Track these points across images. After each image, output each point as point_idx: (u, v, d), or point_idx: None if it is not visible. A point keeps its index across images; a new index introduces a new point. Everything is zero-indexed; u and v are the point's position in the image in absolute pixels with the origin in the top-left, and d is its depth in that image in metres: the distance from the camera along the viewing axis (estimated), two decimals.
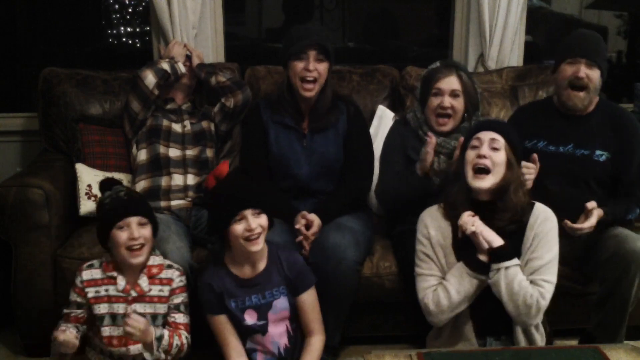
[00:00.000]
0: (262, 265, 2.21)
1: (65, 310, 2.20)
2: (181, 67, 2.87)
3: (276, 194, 2.60)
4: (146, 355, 2.14)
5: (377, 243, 2.68)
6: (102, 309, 2.14)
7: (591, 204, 2.39)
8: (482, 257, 2.12)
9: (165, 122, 2.79)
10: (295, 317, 2.26)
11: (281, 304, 2.21)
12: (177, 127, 2.81)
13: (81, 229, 2.67)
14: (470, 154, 2.15)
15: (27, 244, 2.50)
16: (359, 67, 3.20)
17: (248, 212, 2.10)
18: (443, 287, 2.16)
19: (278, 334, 2.23)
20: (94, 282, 2.15)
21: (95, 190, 2.69)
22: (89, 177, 2.73)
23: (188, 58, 2.95)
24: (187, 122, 2.84)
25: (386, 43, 4.00)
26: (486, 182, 2.11)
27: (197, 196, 2.71)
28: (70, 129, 2.91)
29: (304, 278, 2.24)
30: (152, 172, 2.72)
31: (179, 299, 2.21)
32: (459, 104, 2.59)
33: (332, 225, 2.53)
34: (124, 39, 3.72)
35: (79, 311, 2.18)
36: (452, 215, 2.19)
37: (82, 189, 2.69)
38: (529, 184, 2.33)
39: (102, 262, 2.18)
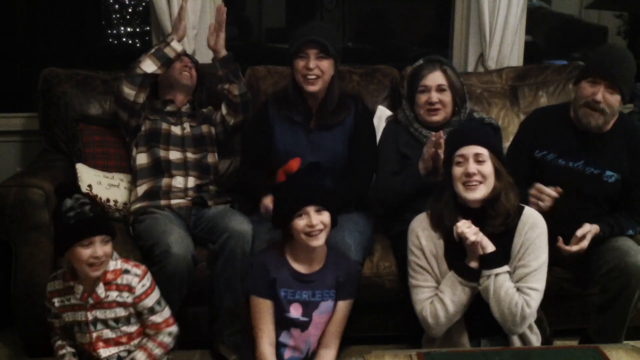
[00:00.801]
0: (319, 264, 2.25)
1: (49, 320, 2.23)
2: (176, 47, 2.72)
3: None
4: None
5: (377, 243, 2.68)
6: (68, 317, 2.16)
7: (581, 232, 2.36)
8: (473, 264, 2.12)
9: (164, 126, 2.78)
10: None
11: (327, 306, 2.24)
12: (176, 130, 2.80)
13: None
14: (458, 171, 2.12)
15: (27, 244, 2.50)
16: (359, 67, 3.20)
17: (311, 209, 2.15)
18: (439, 299, 2.15)
19: (314, 334, 2.25)
20: (57, 293, 2.17)
21: (96, 191, 2.69)
22: (89, 177, 2.73)
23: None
24: (186, 125, 2.83)
25: (386, 43, 4.00)
26: (478, 193, 2.10)
27: (197, 196, 2.71)
28: (70, 129, 2.91)
29: (350, 286, 2.28)
30: (154, 177, 2.72)
31: (149, 303, 2.16)
32: (446, 97, 2.62)
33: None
34: (124, 39, 3.73)
35: (58, 320, 2.21)
36: (441, 226, 2.18)
37: (83, 189, 2.68)
38: (543, 206, 2.34)
39: (63, 272, 2.17)
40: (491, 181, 2.11)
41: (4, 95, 3.58)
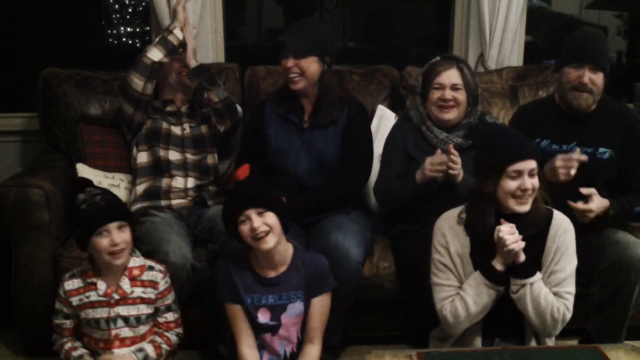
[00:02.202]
0: (284, 266, 2.21)
1: (56, 322, 2.20)
2: (178, 34, 2.77)
3: None
4: None
5: (377, 243, 2.68)
6: (87, 314, 2.15)
7: (586, 190, 2.39)
8: (499, 266, 2.09)
9: (164, 125, 2.78)
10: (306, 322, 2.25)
11: (296, 308, 2.21)
12: (176, 130, 2.81)
13: None
14: (511, 185, 2.05)
15: (27, 243, 2.50)
16: (359, 67, 3.20)
17: (251, 212, 2.09)
18: (460, 298, 2.12)
19: (287, 337, 2.23)
20: (75, 292, 2.15)
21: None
22: (89, 176, 2.72)
23: (183, 46, 2.85)
24: (186, 125, 2.83)
25: (386, 43, 4.00)
26: (528, 206, 2.09)
27: (197, 195, 2.71)
28: (70, 129, 2.91)
29: (322, 280, 2.22)
30: (154, 176, 2.72)
31: (168, 300, 2.21)
32: (460, 95, 2.57)
33: (334, 225, 2.52)
34: (124, 39, 3.72)
35: (68, 321, 2.19)
36: (474, 227, 2.15)
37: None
38: (563, 177, 2.36)
39: (82, 271, 2.17)
40: (536, 192, 2.10)
41: (4, 95, 3.58)
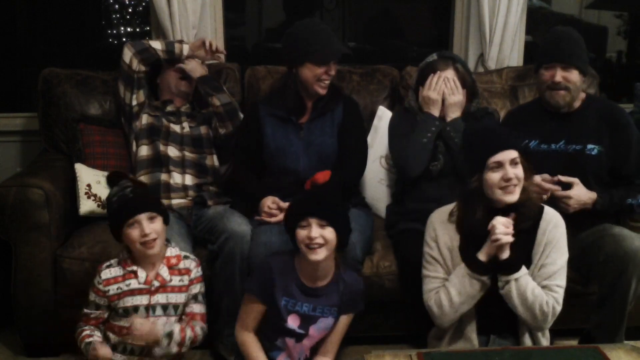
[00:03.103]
0: (325, 280, 2.22)
1: (86, 310, 2.23)
2: (185, 50, 2.83)
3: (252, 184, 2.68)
4: (156, 349, 2.18)
5: (378, 243, 2.68)
6: (125, 302, 2.18)
7: (565, 178, 2.44)
8: (482, 257, 2.12)
9: (164, 122, 2.81)
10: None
11: (327, 323, 2.23)
12: (175, 128, 2.82)
13: (81, 228, 2.67)
14: (494, 177, 2.09)
15: (27, 244, 2.50)
16: (359, 67, 3.20)
17: (314, 221, 2.11)
18: (444, 289, 2.16)
19: (308, 347, 2.25)
20: (114, 280, 2.19)
21: (95, 190, 2.69)
22: (88, 176, 2.73)
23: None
24: (185, 124, 2.84)
25: (386, 43, 4.00)
26: (516, 196, 2.11)
27: (197, 195, 2.71)
28: (70, 129, 2.92)
29: (354, 301, 2.26)
30: (153, 168, 2.73)
31: (196, 289, 2.27)
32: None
33: None
34: (124, 39, 3.72)
35: (98, 312, 2.22)
36: (463, 225, 2.18)
37: (82, 188, 2.69)
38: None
39: (121, 260, 2.22)
40: (522, 182, 2.13)
41: (4, 95, 3.58)
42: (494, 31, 3.25)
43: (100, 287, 2.19)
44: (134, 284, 2.19)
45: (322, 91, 2.64)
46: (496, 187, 2.10)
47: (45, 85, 2.99)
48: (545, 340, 2.22)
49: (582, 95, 2.64)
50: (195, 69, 2.85)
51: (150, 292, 2.19)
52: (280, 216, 2.52)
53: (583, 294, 2.60)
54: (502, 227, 2.07)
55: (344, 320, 2.26)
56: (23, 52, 3.68)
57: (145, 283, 2.19)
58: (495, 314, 2.18)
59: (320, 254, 2.12)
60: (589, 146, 2.56)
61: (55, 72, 3.02)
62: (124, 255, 2.23)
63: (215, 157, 2.88)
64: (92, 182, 2.71)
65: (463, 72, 2.67)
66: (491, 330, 2.23)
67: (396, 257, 2.60)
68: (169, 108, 2.87)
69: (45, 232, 2.51)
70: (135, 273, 2.19)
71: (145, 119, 2.80)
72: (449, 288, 2.15)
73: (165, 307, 2.21)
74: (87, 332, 2.21)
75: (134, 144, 2.80)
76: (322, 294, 2.21)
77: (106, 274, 2.20)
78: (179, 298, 2.23)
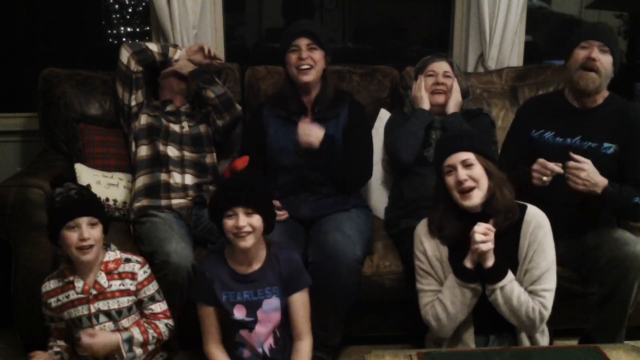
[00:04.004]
0: (258, 263, 2.22)
1: (46, 324, 2.23)
2: (177, 55, 2.86)
3: None
4: (118, 357, 2.15)
5: (378, 242, 2.68)
6: (69, 314, 2.14)
7: (578, 157, 2.35)
8: (468, 264, 2.11)
9: (164, 122, 2.81)
10: (285, 320, 2.25)
11: (272, 304, 2.21)
12: (175, 128, 2.83)
13: None
14: (450, 180, 2.12)
15: (27, 244, 2.51)
16: (359, 67, 3.21)
17: (239, 210, 2.11)
18: (439, 301, 2.16)
19: (264, 333, 2.23)
20: (53, 292, 2.15)
21: (95, 190, 2.64)
22: (88, 176, 2.74)
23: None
24: (185, 124, 2.85)
25: (386, 43, 4.00)
26: (476, 199, 2.10)
27: (197, 195, 2.71)
28: (70, 129, 2.92)
29: (298, 278, 2.23)
30: (152, 168, 2.73)
31: (150, 290, 2.21)
32: (451, 82, 2.81)
33: (333, 224, 2.53)
34: (124, 39, 3.72)
35: (54, 324, 2.20)
36: (442, 234, 2.18)
37: None
38: (546, 180, 2.33)
39: (61, 271, 2.17)
40: (484, 182, 2.11)
41: (4, 95, 3.58)
42: (494, 31, 3.25)
43: (44, 300, 2.16)
44: (72, 294, 2.13)
45: (305, 77, 2.62)
46: (454, 190, 2.11)
47: (45, 85, 2.99)
48: (544, 339, 2.21)
49: (605, 92, 2.59)
50: (185, 65, 2.87)
51: (89, 300, 2.13)
52: (285, 214, 2.58)
53: (583, 294, 2.60)
54: (481, 235, 2.05)
55: (297, 299, 2.22)
56: (23, 52, 3.68)
57: (82, 292, 2.12)
58: (492, 314, 2.16)
59: (249, 241, 2.13)
60: (605, 145, 2.51)
61: (55, 72, 3.02)
62: (63, 266, 2.18)
63: (215, 156, 2.89)
64: (92, 182, 2.71)
65: (456, 68, 2.86)
66: (490, 330, 2.22)
67: (398, 256, 2.60)
68: (169, 108, 2.87)
69: (45, 232, 2.50)
70: (72, 283, 2.13)
71: (144, 119, 2.80)
72: (442, 300, 2.15)
73: (107, 314, 2.14)
74: (51, 343, 2.22)
75: (134, 144, 2.80)
76: (258, 278, 2.20)
77: (46, 286, 2.16)
78: (121, 302, 2.15)
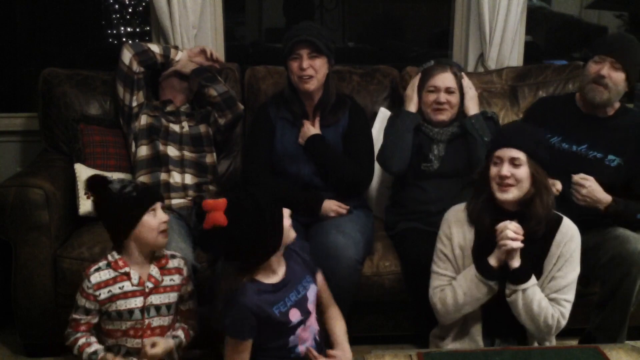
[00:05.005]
0: (283, 266, 2.17)
1: (74, 316, 2.15)
2: (178, 56, 2.85)
3: (291, 191, 2.64)
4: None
5: (378, 242, 2.68)
6: (119, 305, 2.14)
7: (580, 176, 2.39)
8: (493, 262, 2.10)
9: (163, 122, 2.81)
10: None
11: (313, 291, 2.19)
12: (175, 127, 2.83)
13: (81, 229, 2.67)
14: (493, 171, 2.12)
15: (27, 244, 2.50)
16: (359, 67, 3.21)
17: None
18: (451, 287, 2.16)
19: (313, 321, 2.21)
20: (104, 283, 2.14)
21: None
22: (87, 176, 2.73)
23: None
24: (184, 124, 2.85)
25: (386, 43, 4.00)
26: (510, 195, 2.10)
27: (197, 195, 2.71)
28: (70, 129, 2.92)
29: (309, 261, 2.23)
30: (152, 168, 2.73)
31: (190, 286, 2.27)
32: (454, 99, 2.67)
33: (333, 224, 2.53)
34: (124, 39, 3.72)
35: (89, 317, 2.16)
36: (476, 223, 2.18)
37: (82, 188, 2.69)
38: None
39: (110, 262, 2.16)
40: (525, 185, 2.10)
41: (4, 95, 3.58)
42: (494, 31, 3.25)
43: (91, 291, 2.12)
44: (127, 286, 2.14)
45: (306, 86, 2.60)
46: (493, 181, 2.12)
47: (45, 85, 2.99)
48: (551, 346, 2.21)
49: (617, 104, 2.58)
50: (186, 64, 2.86)
51: (144, 293, 2.16)
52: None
53: (583, 294, 2.59)
54: (511, 232, 2.05)
55: (320, 277, 2.21)
56: (23, 52, 3.68)
57: (138, 285, 2.15)
58: (501, 318, 2.16)
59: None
60: (610, 157, 2.51)
61: (55, 72, 3.02)
62: (113, 257, 2.17)
63: (214, 155, 2.89)
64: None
65: (459, 77, 2.69)
66: (496, 334, 2.22)
67: (399, 256, 2.60)
68: (169, 108, 2.87)
69: (45, 232, 2.51)
70: (127, 275, 2.15)
71: (144, 119, 2.80)
72: (455, 288, 2.15)
73: (158, 308, 2.18)
74: (83, 339, 2.15)
75: (133, 144, 2.80)
76: (292, 277, 2.16)
77: (96, 277, 2.13)
78: (171, 297, 2.21)
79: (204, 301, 2.51)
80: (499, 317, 2.17)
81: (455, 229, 2.21)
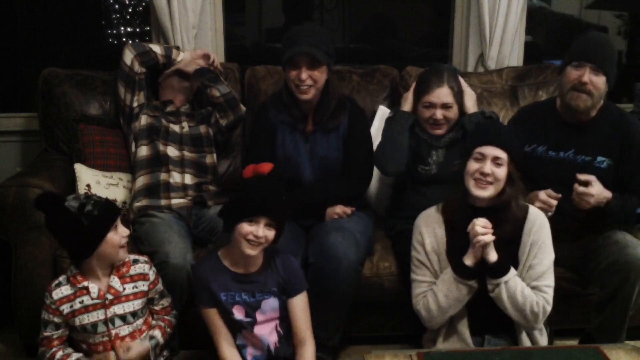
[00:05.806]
0: (256, 266, 2.22)
1: (45, 334, 2.12)
2: (179, 57, 2.86)
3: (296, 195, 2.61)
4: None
5: (377, 243, 2.68)
6: (82, 320, 2.11)
7: (583, 176, 2.36)
8: (468, 262, 2.12)
9: (164, 122, 2.81)
10: (286, 318, 2.25)
11: (270, 304, 2.21)
12: (175, 128, 2.83)
13: None
14: (473, 166, 2.13)
15: (27, 244, 2.51)
16: (359, 67, 3.21)
17: (262, 220, 2.11)
18: (432, 292, 2.18)
19: (267, 332, 2.23)
20: (66, 299, 2.11)
21: (95, 190, 2.70)
22: (87, 177, 2.74)
23: None
24: (185, 124, 2.85)
25: (386, 43, 4.00)
26: (487, 192, 2.12)
27: (197, 195, 2.71)
28: (70, 129, 2.92)
29: (295, 282, 2.23)
30: (152, 168, 2.73)
31: (160, 287, 2.26)
32: (451, 113, 2.63)
33: (333, 225, 2.53)
34: (124, 39, 3.72)
35: (60, 331, 2.14)
36: (450, 220, 2.19)
37: (81, 188, 2.69)
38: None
39: (69, 277, 2.13)
40: (501, 184, 2.13)
41: (4, 95, 3.58)
42: (494, 31, 3.25)
43: (54, 307, 2.09)
44: (86, 300, 2.10)
45: (304, 97, 2.57)
46: (471, 176, 2.13)
47: (45, 85, 2.99)
48: (543, 338, 2.22)
49: (600, 104, 2.54)
50: (189, 64, 2.87)
51: (105, 305, 2.11)
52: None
53: (583, 295, 2.60)
54: (480, 228, 2.07)
55: (296, 304, 2.22)
56: (23, 52, 3.68)
57: (98, 298, 2.11)
58: (487, 314, 2.18)
59: (256, 250, 2.14)
60: (599, 158, 2.50)
61: (55, 72, 3.02)
62: (72, 271, 2.13)
63: (215, 156, 2.89)
64: (92, 182, 2.71)
65: (456, 87, 2.62)
66: (485, 330, 2.23)
67: (396, 259, 2.60)
68: (169, 108, 2.87)
69: (45, 232, 2.50)
70: (87, 289, 2.10)
71: (144, 119, 2.80)
72: (436, 292, 2.17)
73: (123, 317, 2.14)
74: (61, 352, 2.12)
75: (133, 144, 2.80)
76: (257, 280, 2.20)
77: (57, 293, 2.10)
78: (136, 305, 2.16)
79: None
80: (484, 315, 2.18)
81: (426, 233, 2.23)
